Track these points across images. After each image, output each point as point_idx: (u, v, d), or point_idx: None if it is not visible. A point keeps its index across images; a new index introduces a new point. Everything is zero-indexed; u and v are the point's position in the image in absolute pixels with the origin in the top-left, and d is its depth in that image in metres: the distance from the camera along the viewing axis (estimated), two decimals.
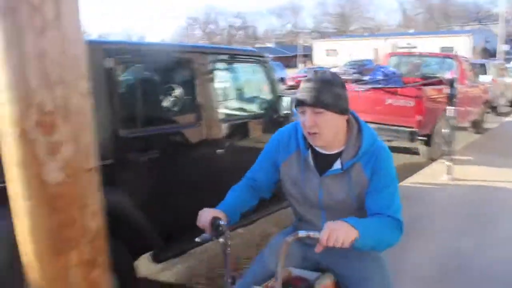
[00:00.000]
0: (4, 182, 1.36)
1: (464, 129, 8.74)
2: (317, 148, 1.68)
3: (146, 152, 2.63)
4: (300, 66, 41.58)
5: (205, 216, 1.58)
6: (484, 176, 5.76)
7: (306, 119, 1.57)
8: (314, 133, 1.57)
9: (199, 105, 2.97)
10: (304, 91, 1.57)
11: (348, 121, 1.65)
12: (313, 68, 26.79)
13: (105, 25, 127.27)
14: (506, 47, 33.23)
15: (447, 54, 10.14)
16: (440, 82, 7.17)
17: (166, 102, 3.15)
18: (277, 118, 3.60)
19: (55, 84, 1.27)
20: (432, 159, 6.85)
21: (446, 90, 6.17)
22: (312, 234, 1.40)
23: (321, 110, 1.54)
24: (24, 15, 1.21)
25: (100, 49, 2.43)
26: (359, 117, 1.70)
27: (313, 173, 1.68)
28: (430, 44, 39.72)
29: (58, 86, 1.28)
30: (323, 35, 66.68)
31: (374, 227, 1.49)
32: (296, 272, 1.72)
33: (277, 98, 3.65)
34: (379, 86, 7.06)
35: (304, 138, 1.68)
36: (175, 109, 3.12)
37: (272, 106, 3.66)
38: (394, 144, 6.94)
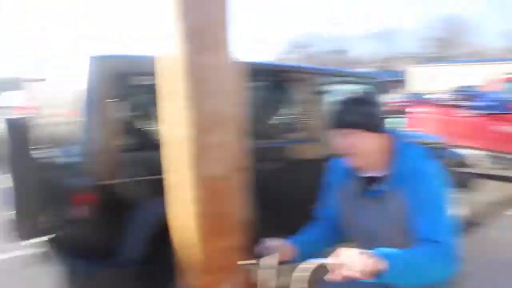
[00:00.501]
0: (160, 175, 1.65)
1: None
2: (361, 173, 1.63)
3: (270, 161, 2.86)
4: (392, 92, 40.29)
5: (270, 243, 1.57)
6: None
7: (339, 141, 1.56)
8: (351, 155, 1.55)
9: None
10: (332, 114, 1.58)
11: (387, 141, 1.58)
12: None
13: None
14: None
15: None
16: None
17: (293, 119, 3.39)
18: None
19: (223, 93, 1.53)
20: None
21: None
22: (324, 261, 1.30)
23: (347, 130, 1.53)
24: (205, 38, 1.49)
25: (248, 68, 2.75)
26: (402, 137, 1.61)
27: (352, 197, 1.64)
28: None
29: (225, 95, 1.53)
30: (420, 60, 64.09)
31: (410, 257, 1.33)
32: None
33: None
34: (495, 112, 6.70)
35: (347, 166, 1.64)
36: (298, 125, 3.35)
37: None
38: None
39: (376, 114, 1.55)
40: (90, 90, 2.26)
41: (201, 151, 1.53)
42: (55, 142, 2.59)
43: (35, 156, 2.45)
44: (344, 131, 1.52)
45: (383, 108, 1.50)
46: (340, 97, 1.59)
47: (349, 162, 1.56)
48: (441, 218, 1.42)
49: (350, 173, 1.64)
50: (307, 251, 1.55)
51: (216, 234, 1.59)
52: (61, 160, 2.43)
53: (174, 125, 1.57)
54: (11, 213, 2.54)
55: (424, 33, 70.98)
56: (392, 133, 1.60)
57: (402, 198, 1.48)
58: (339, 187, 1.69)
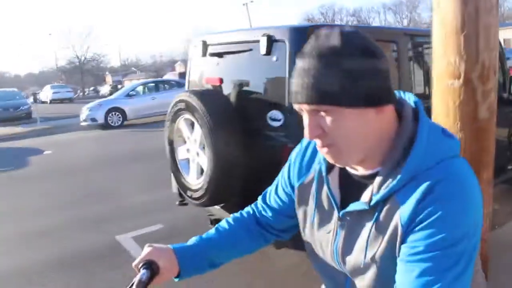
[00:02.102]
0: None
1: None
2: (347, 167, 0.97)
3: None
4: None
5: (141, 255, 1.05)
6: None
7: (305, 125, 0.89)
8: (325, 148, 0.89)
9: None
10: (294, 77, 0.87)
11: (397, 118, 0.91)
12: None
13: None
14: None
15: None
16: None
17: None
18: (507, 98, 3.87)
19: (492, 49, 1.81)
20: None
21: None
22: None
23: (325, 107, 0.84)
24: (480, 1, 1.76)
25: None
26: (421, 107, 0.92)
27: (330, 206, 0.99)
28: None
29: (493, 50, 1.82)
30: None
31: None
32: None
33: (506, 78, 3.92)
34: None
35: None
36: None
37: (502, 86, 3.93)
38: None
39: (374, 71, 0.84)
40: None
41: (471, 97, 1.83)
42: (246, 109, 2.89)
43: (236, 124, 2.76)
44: (314, 108, 0.85)
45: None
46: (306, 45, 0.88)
47: (328, 158, 0.93)
48: (450, 282, 0.77)
49: (325, 164, 1.00)
50: (199, 263, 1.11)
51: (475, 168, 1.91)
52: (263, 124, 2.73)
53: (446, 77, 1.86)
54: (199, 182, 2.87)
55: None
56: (404, 105, 0.92)
57: (396, 218, 0.84)
58: (302, 182, 1.08)
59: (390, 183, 0.85)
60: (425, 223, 0.79)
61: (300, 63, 0.86)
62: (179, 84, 16.83)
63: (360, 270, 0.92)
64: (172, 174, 3.41)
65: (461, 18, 1.78)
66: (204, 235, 1.14)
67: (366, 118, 0.85)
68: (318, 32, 0.86)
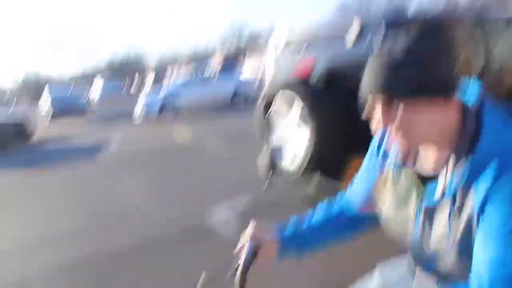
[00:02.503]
0: None
1: None
2: (417, 164, 1.04)
3: None
4: None
5: (246, 233, 1.11)
6: None
7: (377, 117, 0.94)
8: (396, 140, 0.95)
9: None
10: (365, 73, 0.94)
11: (462, 111, 0.93)
12: None
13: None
14: None
15: None
16: None
17: None
18: None
19: None
20: None
21: None
22: None
23: (398, 102, 0.89)
24: None
25: None
26: (482, 97, 0.94)
27: (405, 197, 1.05)
28: None
29: None
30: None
31: None
32: None
33: None
34: None
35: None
36: None
37: None
38: None
39: (441, 66, 0.87)
40: None
41: None
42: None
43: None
44: (386, 101, 0.90)
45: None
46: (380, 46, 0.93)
47: (396, 148, 1.02)
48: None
49: (401, 158, 1.07)
50: (299, 247, 1.17)
51: None
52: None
53: None
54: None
55: None
56: (468, 100, 0.95)
57: (472, 201, 0.89)
58: (383, 172, 1.13)
59: (463, 173, 0.89)
60: (496, 206, 0.83)
61: (373, 62, 0.91)
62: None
63: (439, 255, 0.98)
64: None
65: None
66: (306, 221, 1.20)
67: (435, 113, 0.89)
68: (396, 30, 0.91)
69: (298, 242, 1.16)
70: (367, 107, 0.95)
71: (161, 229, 4.27)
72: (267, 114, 3.33)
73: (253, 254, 1.05)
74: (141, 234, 4.21)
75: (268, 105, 3.31)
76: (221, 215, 4.11)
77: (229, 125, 12.23)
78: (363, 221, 1.22)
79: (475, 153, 0.87)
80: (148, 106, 15.00)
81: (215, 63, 25.63)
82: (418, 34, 0.87)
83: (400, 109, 0.88)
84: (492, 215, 0.84)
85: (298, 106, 3.05)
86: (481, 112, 0.90)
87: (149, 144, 10.26)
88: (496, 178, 0.84)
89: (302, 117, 3.03)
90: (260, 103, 3.36)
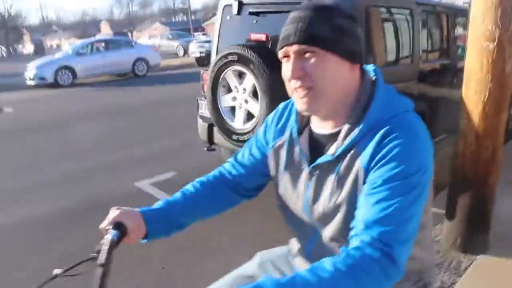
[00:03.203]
0: None
1: None
2: (313, 129, 1.12)
3: None
4: None
5: (108, 217, 1.09)
6: None
7: (289, 66, 1.01)
8: (305, 90, 1.00)
9: None
10: (288, 24, 1.02)
11: (361, 81, 1.06)
12: None
13: None
14: None
15: None
16: None
17: None
18: None
19: None
20: None
21: None
22: None
23: (314, 48, 0.97)
24: None
25: None
26: (379, 74, 1.08)
27: (301, 163, 1.12)
28: None
29: None
30: None
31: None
32: None
33: None
34: None
35: (298, 113, 1.15)
36: None
37: None
38: None
39: (356, 34, 1.02)
40: None
41: (501, 57, 2.46)
42: None
43: None
44: (306, 48, 0.98)
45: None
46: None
47: (300, 103, 1.04)
48: (402, 210, 0.91)
49: (300, 125, 1.15)
50: (171, 223, 1.18)
51: (497, 109, 2.57)
52: None
53: (483, 40, 2.46)
54: None
55: None
56: (369, 71, 1.09)
57: (357, 162, 0.99)
58: (276, 143, 1.19)
59: (352, 135, 0.99)
60: (382, 161, 0.93)
61: (295, 13, 1.01)
62: (128, 43, 16.51)
63: (327, 217, 1.04)
64: (200, 122, 3.83)
65: None
66: (170, 198, 1.20)
67: (343, 69, 1.00)
68: None
69: (164, 220, 1.16)
70: (283, 60, 1.03)
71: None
72: (219, 80, 3.46)
73: (118, 239, 1.03)
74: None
75: (219, 72, 3.44)
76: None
77: (133, 94, 11.97)
78: (241, 190, 1.27)
79: (364, 120, 0.99)
80: (42, 71, 13.85)
81: (103, 29, 24.25)
82: (335, 5, 1.01)
83: (317, 56, 0.97)
84: (377, 172, 0.94)
85: (251, 75, 3.21)
86: (376, 84, 1.04)
87: (51, 110, 9.62)
88: (381, 140, 0.95)
89: (253, 86, 3.22)
90: (211, 69, 3.48)
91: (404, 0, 3.78)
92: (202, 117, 4.12)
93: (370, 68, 1.09)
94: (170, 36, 27.97)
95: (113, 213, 1.08)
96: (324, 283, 0.82)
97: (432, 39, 4.16)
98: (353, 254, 0.86)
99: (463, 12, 4.57)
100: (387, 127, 0.95)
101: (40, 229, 3.68)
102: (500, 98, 2.55)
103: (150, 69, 16.03)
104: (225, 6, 3.82)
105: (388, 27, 3.65)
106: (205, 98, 4.03)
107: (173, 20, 64.49)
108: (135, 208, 1.13)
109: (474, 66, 2.56)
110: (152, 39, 27.98)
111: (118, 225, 1.05)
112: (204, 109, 4.09)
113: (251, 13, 3.56)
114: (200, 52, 18.36)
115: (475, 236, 2.79)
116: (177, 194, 1.21)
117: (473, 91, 2.59)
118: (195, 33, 34.74)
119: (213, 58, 3.97)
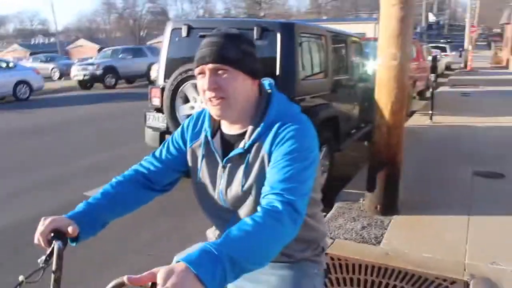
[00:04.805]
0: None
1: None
2: (224, 131, 1.34)
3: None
4: None
5: (42, 228, 1.15)
6: (448, 120, 8.59)
7: (205, 80, 1.21)
8: (218, 99, 1.22)
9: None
10: (204, 47, 1.23)
11: (260, 92, 1.31)
12: None
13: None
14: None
15: None
16: None
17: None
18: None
19: (409, 45, 3.50)
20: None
21: None
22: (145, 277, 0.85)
23: (225, 67, 1.20)
24: (408, 19, 3.43)
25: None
26: (273, 87, 1.35)
27: (215, 159, 1.33)
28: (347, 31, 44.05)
29: (409, 46, 3.51)
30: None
31: (237, 252, 0.93)
32: None
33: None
34: None
35: (210, 119, 1.36)
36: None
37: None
38: None
39: (256, 56, 1.29)
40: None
41: (401, 71, 3.51)
42: None
43: None
44: (219, 67, 1.20)
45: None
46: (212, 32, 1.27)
47: (213, 111, 1.25)
48: (298, 173, 1.14)
49: (213, 128, 1.36)
50: (97, 222, 1.28)
51: (400, 104, 3.61)
52: None
53: (389, 59, 3.48)
54: None
55: None
56: (265, 85, 1.35)
57: (262, 149, 1.23)
58: (193, 145, 1.39)
59: (256, 132, 1.24)
60: (280, 143, 1.19)
61: (209, 39, 1.23)
62: (8, 65, 15.47)
63: (240, 200, 1.27)
64: (150, 131, 4.36)
65: (399, 25, 3.42)
66: (91, 200, 1.29)
67: (247, 83, 1.24)
68: (220, 26, 1.33)
69: (91, 221, 1.25)
70: (199, 76, 1.24)
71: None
72: (178, 92, 4.03)
73: (64, 245, 1.12)
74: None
75: (178, 85, 4.01)
76: None
77: (30, 116, 11.43)
78: (157, 184, 1.42)
79: (265, 120, 1.24)
80: None
81: None
82: (240, 33, 1.27)
83: (228, 73, 1.20)
84: (277, 151, 1.18)
85: None
86: (271, 94, 1.31)
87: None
88: (277, 130, 1.21)
89: None
90: (170, 83, 4.03)
91: (321, 29, 4.80)
92: (151, 127, 4.60)
93: (266, 82, 1.36)
94: (44, 58, 26.41)
95: (47, 222, 1.15)
96: (249, 234, 0.97)
97: (338, 58, 5.25)
98: (265, 209, 1.05)
99: (354, 38, 5.81)
100: (281, 122, 1.22)
101: None
102: (402, 100, 3.61)
103: (32, 92, 15.18)
104: (174, 29, 4.41)
105: (312, 48, 4.60)
106: (155, 110, 4.55)
107: (32, 42, 60.01)
108: (61, 215, 1.20)
109: (383, 78, 3.58)
110: (21, 62, 26.00)
111: (58, 233, 1.12)
112: (152, 120, 4.59)
113: (200, 36, 4.20)
114: (84, 75, 17.81)
115: (389, 203, 3.79)
116: (97, 195, 1.32)
117: (383, 95, 3.61)
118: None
119: (161, 74, 4.52)
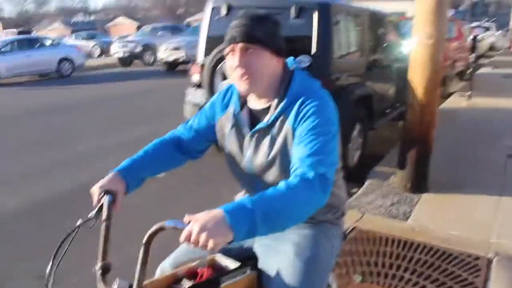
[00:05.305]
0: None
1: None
2: (251, 106, 1.46)
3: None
4: None
5: (96, 189, 1.34)
6: (486, 103, 8.42)
7: (235, 58, 1.32)
8: (246, 75, 1.32)
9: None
10: (233, 28, 1.33)
11: (284, 69, 1.41)
12: None
13: None
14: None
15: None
16: None
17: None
18: None
19: (444, 25, 3.52)
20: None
21: None
22: (179, 226, 1.01)
23: (254, 46, 1.31)
24: None
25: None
26: (297, 66, 1.45)
27: (243, 130, 1.46)
28: (385, 8, 42.83)
29: (445, 25, 3.53)
30: None
31: (270, 209, 1.06)
32: (221, 259, 1.41)
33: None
34: None
35: (238, 94, 1.48)
36: None
37: None
38: None
39: (281, 35, 1.39)
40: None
41: (436, 49, 3.53)
42: None
43: None
44: (248, 46, 1.31)
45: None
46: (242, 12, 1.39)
47: (242, 86, 1.36)
48: (324, 145, 1.24)
49: (241, 103, 1.48)
50: (140, 176, 1.45)
51: (434, 86, 3.65)
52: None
53: (425, 38, 3.51)
54: None
55: None
56: (289, 63, 1.45)
57: (286, 123, 1.34)
58: (222, 116, 1.52)
59: (280, 106, 1.34)
60: (303, 119, 1.28)
61: (237, 21, 1.33)
62: (53, 42, 16.08)
63: (266, 168, 1.39)
64: (189, 106, 4.56)
65: (434, 6, 3.44)
66: (135, 157, 1.47)
67: (273, 61, 1.34)
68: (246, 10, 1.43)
69: (136, 174, 1.42)
70: (229, 55, 1.34)
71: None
72: (216, 69, 4.20)
73: (113, 200, 1.31)
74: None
75: (217, 63, 4.17)
76: None
77: (77, 91, 11.91)
78: (190, 150, 1.58)
79: (287, 95, 1.35)
80: None
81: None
82: (266, 15, 1.37)
83: (255, 52, 1.30)
84: (302, 127, 1.28)
85: None
86: (294, 72, 1.41)
87: None
88: (300, 105, 1.31)
89: None
90: (210, 60, 4.20)
91: (357, 9, 4.83)
92: (191, 103, 4.82)
93: (289, 60, 1.45)
94: (85, 36, 27.21)
95: (99, 185, 1.33)
96: (283, 195, 1.10)
97: (374, 38, 5.27)
98: (299, 178, 1.16)
99: (391, 18, 5.79)
100: (303, 97, 1.31)
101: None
102: (435, 78, 3.64)
103: (75, 69, 15.76)
104: (213, 8, 4.56)
105: (348, 28, 4.65)
106: (195, 86, 4.75)
107: (73, 20, 61.41)
108: (111, 171, 1.39)
109: (417, 56, 3.62)
110: (64, 39, 26.90)
111: (109, 191, 1.31)
112: (192, 96, 4.81)
113: None
114: (124, 52, 18.28)
115: (419, 180, 3.87)
116: (140, 153, 1.49)
117: (417, 74, 3.66)
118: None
119: (201, 52, 4.69)
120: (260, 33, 1.31)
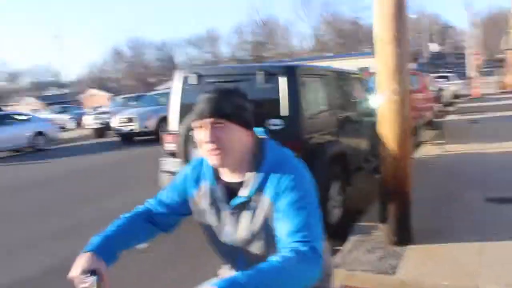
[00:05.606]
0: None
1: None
2: (225, 179, 1.45)
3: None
4: None
5: (76, 272, 1.31)
6: (458, 148, 8.66)
7: (205, 133, 1.33)
8: (217, 150, 1.33)
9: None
10: (202, 102, 1.35)
11: (254, 141, 1.42)
12: None
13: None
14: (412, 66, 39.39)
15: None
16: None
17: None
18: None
19: (407, 81, 3.68)
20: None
21: None
22: None
23: (222, 121, 1.32)
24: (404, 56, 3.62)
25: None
26: (267, 136, 1.46)
27: (220, 205, 1.45)
28: (347, 65, 44.71)
29: (408, 81, 3.68)
30: (241, 62, 69.25)
31: (273, 273, 1.12)
32: None
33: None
34: None
35: (212, 168, 1.46)
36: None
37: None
38: None
39: (249, 108, 1.40)
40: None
41: (401, 104, 3.66)
42: None
43: None
44: (217, 121, 1.32)
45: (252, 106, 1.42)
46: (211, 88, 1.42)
47: (213, 160, 1.36)
48: (309, 218, 1.27)
49: (215, 176, 1.47)
50: (115, 252, 1.41)
51: (404, 138, 3.73)
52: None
53: (391, 94, 3.64)
54: None
55: (237, 37, 77.15)
56: (258, 133, 1.46)
57: (265, 196, 1.35)
58: (196, 192, 1.51)
59: (256, 180, 1.36)
60: (284, 192, 1.31)
61: (206, 96, 1.36)
62: (26, 117, 16.06)
63: (248, 241, 1.39)
64: (166, 175, 4.51)
65: (396, 62, 3.60)
66: (107, 232, 1.43)
67: (243, 134, 1.36)
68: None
69: (111, 248, 1.39)
70: (197, 129, 1.35)
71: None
72: (191, 136, 4.20)
73: (99, 280, 1.30)
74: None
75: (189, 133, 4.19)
76: None
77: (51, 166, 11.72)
78: (165, 224, 1.57)
79: (262, 168, 1.36)
80: None
81: None
82: (234, 89, 1.42)
83: (224, 126, 1.32)
84: (283, 202, 1.30)
85: None
86: (265, 142, 1.43)
87: None
88: (278, 178, 1.33)
89: None
90: (185, 128, 4.23)
91: (322, 69, 5.02)
92: (166, 172, 4.78)
93: (258, 130, 1.47)
94: (59, 110, 27.35)
95: (81, 260, 1.32)
96: (277, 269, 1.13)
97: (341, 95, 5.44)
98: (291, 251, 1.18)
99: (356, 75, 6.03)
100: (279, 169, 1.35)
101: None
102: (405, 131, 3.74)
103: (48, 143, 15.63)
104: (184, 77, 4.65)
105: (315, 88, 4.80)
106: (170, 156, 4.73)
107: (46, 93, 61.83)
108: (85, 252, 1.35)
109: (385, 112, 3.74)
110: (38, 113, 26.91)
111: (93, 270, 1.30)
112: (167, 165, 4.78)
113: (208, 83, 4.43)
114: (101, 123, 18.34)
115: (403, 233, 3.85)
116: (112, 227, 1.46)
117: (386, 129, 3.75)
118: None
119: (174, 118, 4.73)
120: (228, 108, 1.34)
